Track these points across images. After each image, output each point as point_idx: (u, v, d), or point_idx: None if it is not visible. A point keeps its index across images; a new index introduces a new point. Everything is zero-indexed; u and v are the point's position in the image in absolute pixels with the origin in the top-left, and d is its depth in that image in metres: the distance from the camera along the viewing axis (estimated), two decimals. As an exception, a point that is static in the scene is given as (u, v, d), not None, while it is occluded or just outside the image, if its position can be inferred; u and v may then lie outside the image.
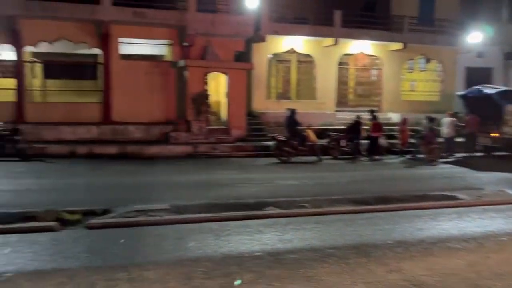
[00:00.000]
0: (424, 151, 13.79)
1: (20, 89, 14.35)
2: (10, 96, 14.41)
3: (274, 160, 12.85)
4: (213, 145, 14.35)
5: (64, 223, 5.97)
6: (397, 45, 18.46)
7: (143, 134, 14.91)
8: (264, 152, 13.99)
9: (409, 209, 7.33)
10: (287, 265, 4.64)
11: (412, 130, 14.95)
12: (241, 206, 7.09)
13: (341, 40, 17.55)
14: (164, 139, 14.70)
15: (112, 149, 13.27)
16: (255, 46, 16.99)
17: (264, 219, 6.51)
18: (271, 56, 17.81)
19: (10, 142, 11.57)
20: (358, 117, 14.49)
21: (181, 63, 15.14)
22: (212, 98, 15.97)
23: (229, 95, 15.50)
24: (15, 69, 14.60)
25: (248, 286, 4.06)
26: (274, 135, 13.52)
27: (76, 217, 6.19)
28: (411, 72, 20.60)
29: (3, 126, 11.77)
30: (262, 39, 16.54)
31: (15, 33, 13.89)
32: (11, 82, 14.79)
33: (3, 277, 4.15)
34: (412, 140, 14.62)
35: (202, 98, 14.99)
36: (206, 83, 15.19)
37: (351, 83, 19.78)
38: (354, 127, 14.26)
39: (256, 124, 16.36)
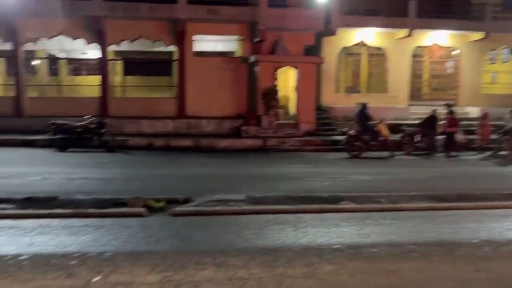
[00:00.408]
0: (508, 147, 12.91)
1: (104, 85, 15.45)
2: (96, 92, 15.57)
3: (345, 155, 12.72)
4: (282, 139, 14.50)
5: (150, 210, 6.40)
6: (478, 35, 17.39)
7: (215, 128, 15.44)
8: (333, 146, 13.91)
9: (494, 208, 6.95)
10: (368, 258, 4.64)
11: (493, 125, 14.05)
12: (316, 199, 7.14)
13: (416, 31, 16.90)
14: (234, 133, 15.12)
15: (186, 142, 13.89)
16: (325, 40, 16.88)
17: (339, 213, 6.52)
18: (341, 49, 17.56)
19: (97, 135, 12.55)
20: (434, 111, 13.88)
21: (252, 58, 15.43)
22: (281, 92, 16.11)
23: (298, 89, 15.55)
24: (100, 67, 15.71)
25: (331, 277, 4.13)
26: (344, 129, 13.38)
27: (160, 204, 6.60)
28: (493, 63, 19.30)
29: (91, 120, 12.74)
30: (333, 33, 16.38)
31: (100, 33, 14.96)
32: (96, 79, 15.99)
33: (105, 256, 4.58)
34: (493, 136, 13.74)
35: (271, 92, 15.19)
36: (276, 78, 15.35)
37: (426, 76, 18.97)
38: (430, 122, 13.69)
39: (325, 118, 16.28)
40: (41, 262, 4.36)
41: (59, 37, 15.08)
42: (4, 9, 14.19)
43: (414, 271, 4.32)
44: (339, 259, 4.58)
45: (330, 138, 14.65)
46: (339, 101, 17.09)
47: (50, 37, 15.05)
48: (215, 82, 15.81)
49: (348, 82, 18.64)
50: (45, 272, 4.12)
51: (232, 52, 17.95)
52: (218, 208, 6.44)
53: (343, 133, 13.20)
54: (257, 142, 14.26)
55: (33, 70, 18.31)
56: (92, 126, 12.61)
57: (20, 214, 5.87)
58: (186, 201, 6.90)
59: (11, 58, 15.52)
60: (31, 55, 17.25)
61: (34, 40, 15.15)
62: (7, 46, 15.20)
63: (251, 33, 15.77)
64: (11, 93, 15.50)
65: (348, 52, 18.17)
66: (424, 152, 13.40)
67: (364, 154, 12.63)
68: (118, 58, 17.53)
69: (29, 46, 15.60)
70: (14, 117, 14.96)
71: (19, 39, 14.98)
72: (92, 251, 4.71)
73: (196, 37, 15.76)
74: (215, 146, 13.93)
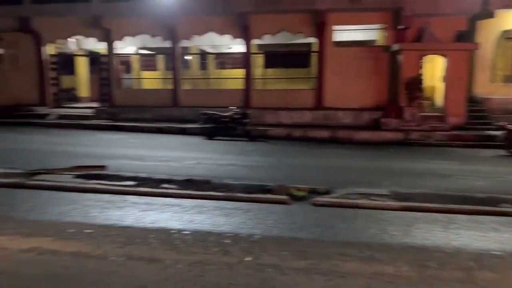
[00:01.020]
0: None
1: (248, 78, 16.32)
2: (239, 84, 16.59)
3: (502, 152, 11.34)
4: (427, 132, 13.54)
5: (292, 198, 6.62)
6: None
7: (352, 119, 15.14)
8: (488, 142, 12.51)
9: None
10: (537, 271, 4.11)
11: None
12: (469, 200, 6.54)
13: None
14: (372, 125, 14.63)
15: (324, 133, 13.93)
16: (480, 23, 15.12)
17: (498, 216, 5.87)
18: (500, 33, 15.56)
19: (241, 125, 13.41)
20: None
21: (395, 47, 14.65)
22: (426, 82, 15.00)
23: (447, 79, 14.26)
24: (243, 60, 16.64)
25: (492, 285, 3.77)
26: (502, 123, 11.90)
27: (302, 193, 6.79)
28: None
29: (235, 111, 13.65)
30: (490, 15, 14.59)
31: (245, 28, 15.81)
32: (239, 72, 17.00)
33: (254, 238, 4.91)
34: None
35: (415, 82, 14.25)
36: (421, 67, 14.35)
37: None
38: None
39: (477, 111, 14.67)
40: (201, 238, 4.88)
41: (209, 33, 16.39)
42: (166, 10, 15.98)
43: None
44: (501, 267, 4.15)
45: (484, 132, 13.18)
46: (496, 91, 15.23)
47: (202, 34, 16.46)
48: (353, 73, 15.46)
49: (507, 70, 16.43)
50: (204, 247, 4.60)
51: (373, 41, 17.30)
52: (361, 201, 6.34)
53: (501, 128, 11.75)
54: (397, 135, 13.58)
55: (186, 65, 20.31)
56: (237, 116, 13.49)
57: (181, 194, 6.62)
58: (326, 192, 6.97)
59: (170, 54, 17.42)
60: (185, 51, 19.10)
61: (189, 37, 16.73)
62: (167, 44, 17.10)
63: (394, 21, 14.95)
64: (170, 86, 17.43)
65: (508, 36, 15.99)
66: None
67: (527, 152, 11.09)
68: (260, 51, 18.33)
69: (184, 43, 17.31)
70: (172, 107, 16.82)
71: (176, 36, 16.71)
72: (242, 232, 5.09)
73: (336, 27, 15.58)
74: (352, 138, 13.69)
